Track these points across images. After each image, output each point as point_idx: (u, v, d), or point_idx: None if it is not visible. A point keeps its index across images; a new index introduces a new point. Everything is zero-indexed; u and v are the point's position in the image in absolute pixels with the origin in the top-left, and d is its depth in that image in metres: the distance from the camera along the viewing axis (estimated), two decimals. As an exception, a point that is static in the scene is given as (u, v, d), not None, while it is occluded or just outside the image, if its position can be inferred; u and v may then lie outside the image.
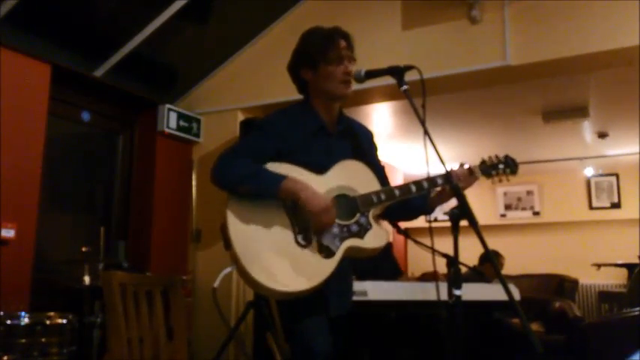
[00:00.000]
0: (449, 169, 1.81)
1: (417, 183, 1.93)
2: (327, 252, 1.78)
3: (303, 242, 1.77)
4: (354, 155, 1.96)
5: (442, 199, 1.99)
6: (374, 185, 1.92)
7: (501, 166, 2.09)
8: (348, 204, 1.85)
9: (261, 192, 1.78)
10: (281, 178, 1.77)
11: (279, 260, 1.74)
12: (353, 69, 1.94)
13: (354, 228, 1.83)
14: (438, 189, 1.98)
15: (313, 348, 1.77)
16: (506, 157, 2.12)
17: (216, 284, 1.82)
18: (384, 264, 3.67)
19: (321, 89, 1.95)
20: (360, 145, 2.02)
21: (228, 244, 1.76)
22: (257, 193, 1.78)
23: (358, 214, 1.85)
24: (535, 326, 5.08)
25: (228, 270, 1.78)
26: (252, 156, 1.83)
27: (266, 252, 1.74)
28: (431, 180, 1.93)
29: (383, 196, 1.88)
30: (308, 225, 1.78)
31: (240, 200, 1.78)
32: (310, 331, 1.80)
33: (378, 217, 1.94)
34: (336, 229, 1.81)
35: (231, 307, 4.08)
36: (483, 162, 2.09)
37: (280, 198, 1.78)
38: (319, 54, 1.91)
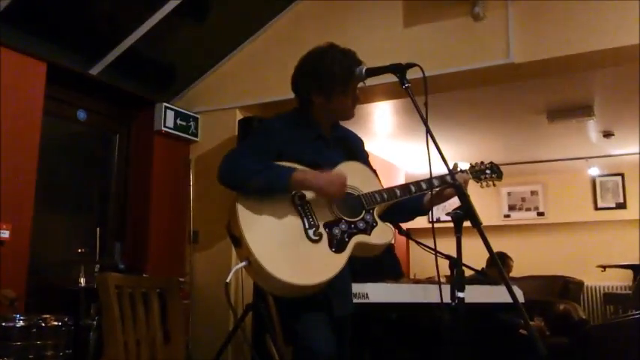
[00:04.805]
0: (451, 168, 1.86)
1: (416, 184, 2.01)
2: (337, 247, 1.83)
3: (314, 237, 1.82)
4: (348, 159, 2.03)
5: (439, 199, 2.03)
6: (375, 185, 2.01)
7: (488, 171, 2.21)
8: (353, 202, 1.92)
9: (272, 185, 1.81)
10: (291, 169, 1.82)
11: (293, 255, 1.79)
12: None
13: (361, 225, 1.90)
14: (436, 190, 2.02)
15: (315, 348, 1.79)
16: (491, 163, 2.23)
17: (228, 279, 1.83)
18: (387, 263, 3.63)
19: (329, 111, 2.00)
20: (353, 151, 2.11)
21: (237, 242, 1.79)
22: (267, 186, 1.81)
23: (364, 212, 1.92)
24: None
25: (240, 265, 1.79)
26: (256, 156, 1.88)
27: (279, 247, 1.78)
28: (429, 181, 1.99)
29: (385, 195, 1.97)
30: (317, 221, 1.84)
31: (249, 198, 1.82)
32: (312, 331, 1.82)
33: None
34: (344, 226, 1.87)
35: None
36: (472, 167, 2.19)
37: (291, 190, 1.83)
38: (339, 87, 1.94)
